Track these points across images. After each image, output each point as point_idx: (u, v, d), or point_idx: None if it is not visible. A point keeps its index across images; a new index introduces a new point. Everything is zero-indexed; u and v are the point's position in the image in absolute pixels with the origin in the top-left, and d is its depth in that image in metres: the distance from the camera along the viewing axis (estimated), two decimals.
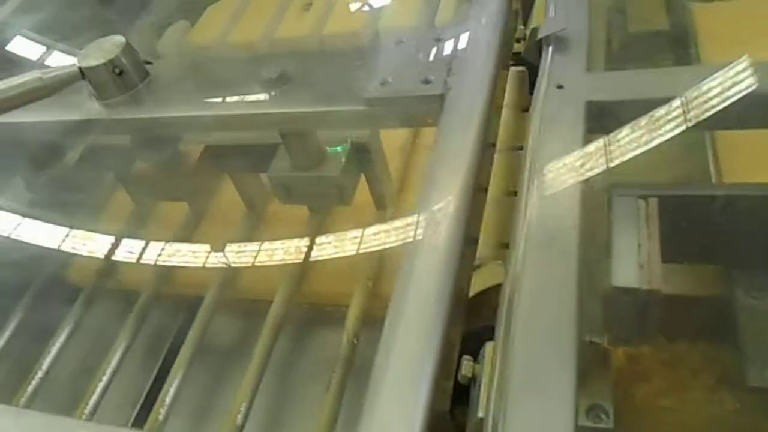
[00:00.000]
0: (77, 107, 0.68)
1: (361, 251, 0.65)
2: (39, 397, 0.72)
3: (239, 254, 0.75)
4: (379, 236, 0.64)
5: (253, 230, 0.79)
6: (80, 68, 0.65)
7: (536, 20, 0.84)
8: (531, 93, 0.86)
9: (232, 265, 0.74)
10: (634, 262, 0.49)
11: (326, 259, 0.71)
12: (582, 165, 0.51)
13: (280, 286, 0.71)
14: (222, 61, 0.69)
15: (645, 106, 0.50)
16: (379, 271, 0.70)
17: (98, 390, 0.69)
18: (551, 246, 0.44)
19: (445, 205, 0.46)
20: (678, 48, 0.79)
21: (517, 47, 0.90)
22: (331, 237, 0.73)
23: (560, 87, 0.53)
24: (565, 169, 0.50)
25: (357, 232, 0.68)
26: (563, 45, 0.56)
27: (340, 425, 0.60)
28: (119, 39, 0.67)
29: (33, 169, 0.80)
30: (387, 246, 0.58)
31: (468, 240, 0.46)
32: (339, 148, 0.69)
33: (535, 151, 0.50)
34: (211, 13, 1.17)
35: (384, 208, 0.75)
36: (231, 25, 1.12)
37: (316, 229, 0.75)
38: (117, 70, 0.66)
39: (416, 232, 0.45)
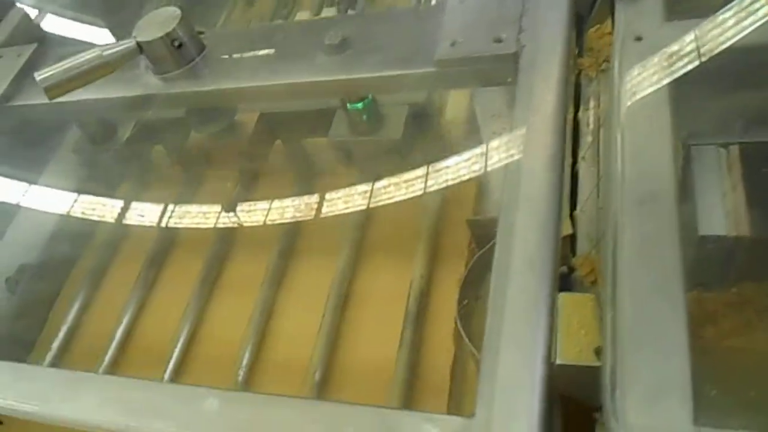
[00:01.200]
0: (136, 83, 0.68)
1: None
2: None
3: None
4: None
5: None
6: (138, 43, 0.65)
7: None
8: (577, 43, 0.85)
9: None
10: (719, 211, 0.49)
11: None
12: (665, 117, 0.50)
13: None
14: (280, 28, 0.68)
15: (729, 55, 0.48)
16: None
17: None
18: (647, 201, 0.43)
19: (537, 163, 0.46)
20: None
21: None
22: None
23: (639, 39, 0.52)
24: (650, 122, 0.49)
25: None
26: None
27: None
28: (174, 11, 0.66)
29: (93, 145, 0.80)
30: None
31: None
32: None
33: (619, 104, 0.49)
34: None
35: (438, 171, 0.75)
36: None
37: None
38: (175, 43, 0.65)
39: (514, 185, 0.45)
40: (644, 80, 0.50)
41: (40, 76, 0.62)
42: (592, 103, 0.88)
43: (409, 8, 0.62)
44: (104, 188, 0.83)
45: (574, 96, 0.86)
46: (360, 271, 0.74)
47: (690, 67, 0.51)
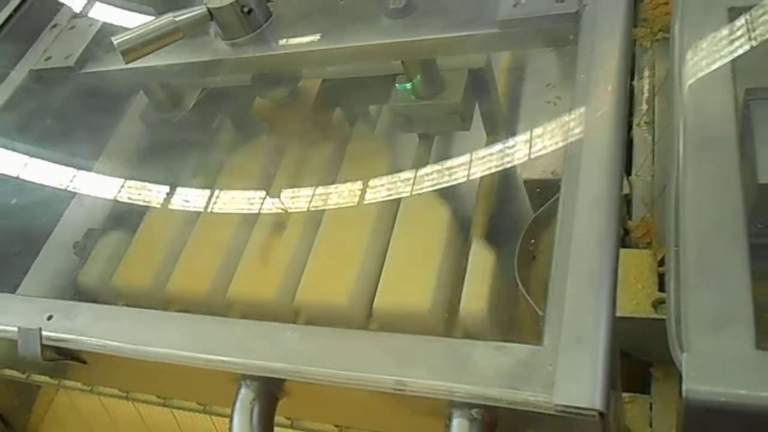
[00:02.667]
0: (206, 48, 0.71)
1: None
2: None
3: None
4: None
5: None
6: (209, 9, 0.68)
7: None
8: None
9: None
10: None
11: None
12: (728, 71, 0.51)
13: None
14: None
15: None
16: None
17: None
18: (709, 150, 0.45)
19: (602, 116, 0.47)
20: None
21: None
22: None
23: None
24: (712, 77, 0.50)
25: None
26: None
27: None
28: None
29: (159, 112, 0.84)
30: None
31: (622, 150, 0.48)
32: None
33: (681, 58, 0.51)
34: None
35: (497, 134, 0.77)
36: None
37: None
38: (245, 10, 0.68)
39: (580, 139, 0.47)
40: (707, 36, 0.51)
41: (117, 40, 0.66)
42: (647, 73, 0.89)
43: None
44: (169, 155, 0.87)
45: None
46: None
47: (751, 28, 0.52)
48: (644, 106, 0.86)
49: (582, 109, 0.51)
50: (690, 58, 0.50)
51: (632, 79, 0.87)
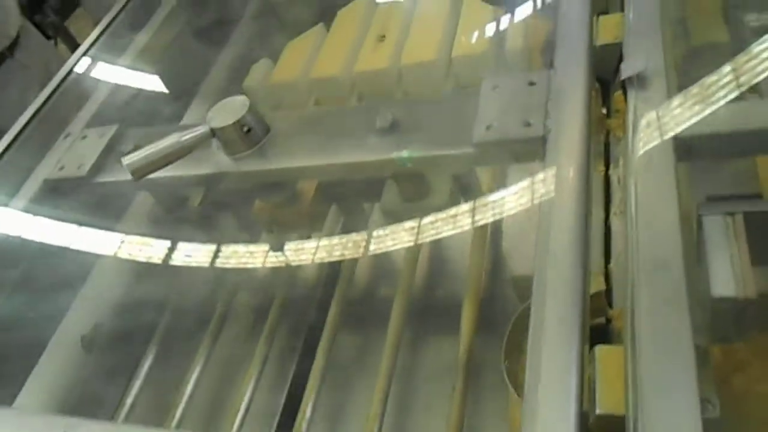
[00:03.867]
0: (209, 161, 0.78)
1: None
2: None
3: None
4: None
5: None
6: (211, 129, 0.75)
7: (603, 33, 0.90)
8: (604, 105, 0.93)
9: None
10: (729, 274, 0.56)
11: None
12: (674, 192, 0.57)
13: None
14: (336, 112, 0.78)
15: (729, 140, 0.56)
16: None
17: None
18: (660, 267, 0.51)
19: (563, 227, 0.54)
20: None
21: None
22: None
23: (648, 125, 0.60)
24: (659, 197, 0.57)
25: None
26: (644, 82, 0.63)
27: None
28: (243, 99, 0.76)
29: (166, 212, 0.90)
30: None
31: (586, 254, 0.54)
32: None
33: (634, 184, 0.57)
34: (290, 50, 1.27)
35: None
36: (311, 62, 1.22)
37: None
38: (244, 129, 0.75)
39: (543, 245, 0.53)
40: (653, 159, 0.58)
41: (126, 161, 0.73)
42: (621, 162, 0.96)
43: (450, 94, 0.71)
44: (174, 250, 0.92)
45: (604, 155, 0.95)
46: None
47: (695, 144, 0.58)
48: (620, 195, 0.93)
49: (547, 218, 0.57)
50: (641, 188, 0.57)
51: (608, 168, 0.93)
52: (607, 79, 0.97)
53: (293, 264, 0.91)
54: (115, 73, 1.19)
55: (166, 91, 1.25)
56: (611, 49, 0.91)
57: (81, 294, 0.97)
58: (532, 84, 0.67)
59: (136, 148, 0.85)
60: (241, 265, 0.94)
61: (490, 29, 1.11)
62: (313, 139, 0.74)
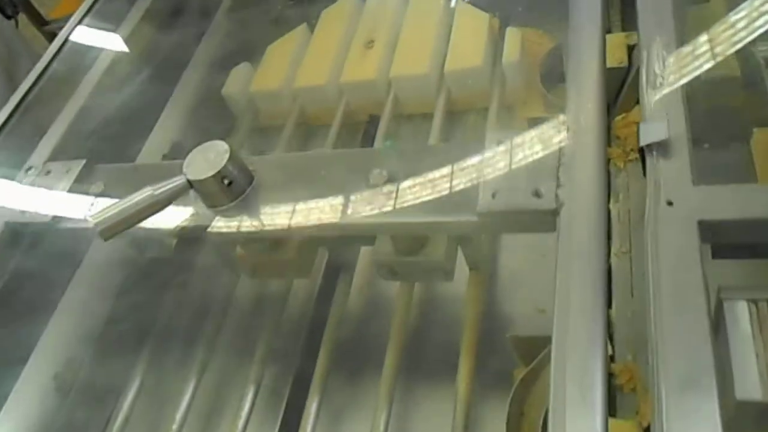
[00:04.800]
0: (187, 212, 0.71)
1: None
2: None
3: None
4: None
5: None
6: (189, 180, 0.68)
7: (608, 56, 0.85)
8: None
9: None
10: (754, 375, 0.52)
11: None
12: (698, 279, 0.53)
13: None
14: (326, 159, 0.71)
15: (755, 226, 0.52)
16: None
17: None
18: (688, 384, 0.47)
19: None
20: None
21: None
22: None
23: (670, 204, 0.54)
24: (683, 285, 0.52)
25: None
26: (666, 152, 0.57)
27: None
28: (223, 146, 0.70)
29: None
30: None
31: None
32: None
33: (655, 272, 0.52)
34: (271, 54, 1.19)
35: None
36: (294, 68, 1.14)
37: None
38: (226, 182, 0.68)
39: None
40: (676, 251, 0.53)
41: (94, 219, 0.66)
42: (621, 196, 0.91)
43: (450, 146, 0.65)
44: (153, 293, 0.87)
45: None
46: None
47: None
48: (621, 232, 0.88)
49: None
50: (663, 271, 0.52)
51: (608, 202, 0.89)
52: (607, 103, 0.92)
53: (279, 308, 0.86)
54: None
55: (139, 98, 1.17)
56: (615, 72, 0.86)
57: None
58: (541, 142, 0.62)
59: (106, 188, 0.79)
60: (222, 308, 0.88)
61: (485, 39, 1.04)
62: (301, 193, 0.68)
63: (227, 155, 0.68)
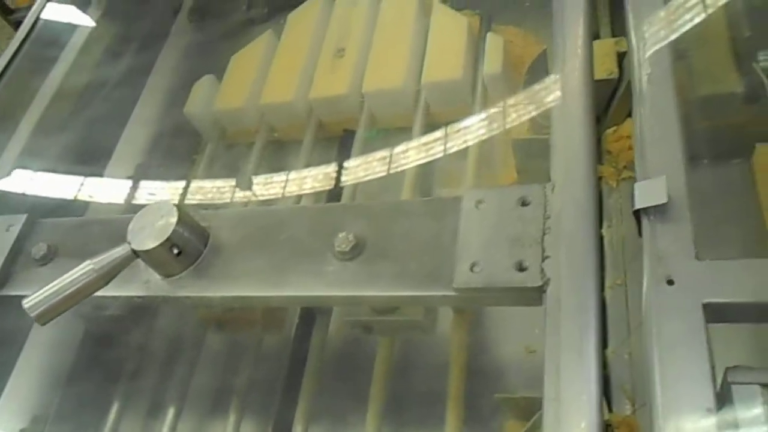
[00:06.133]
0: (137, 280, 0.65)
1: None
2: None
3: None
4: None
5: None
6: (134, 250, 0.61)
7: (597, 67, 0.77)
8: None
9: None
10: None
11: None
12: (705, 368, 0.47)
13: None
14: (287, 216, 0.64)
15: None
16: None
17: None
18: None
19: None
20: None
21: None
22: None
23: (671, 282, 0.48)
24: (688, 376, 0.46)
25: None
26: (664, 217, 0.50)
27: None
28: (170, 208, 0.62)
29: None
30: None
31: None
32: None
33: (657, 362, 0.46)
34: (236, 65, 1.10)
35: None
36: (260, 81, 1.05)
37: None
38: (175, 251, 0.61)
39: None
40: (679, 337, 0.46)
41: (28, 303, 0.59)
42: (614, 220, 0.84)
43: (423, 204, 0.58)
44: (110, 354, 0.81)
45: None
46: None
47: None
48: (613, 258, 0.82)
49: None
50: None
51: (600, 227, 0.82)
52: (596, 115, 0.84)
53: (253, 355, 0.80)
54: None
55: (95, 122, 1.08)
56: (605, 83, 0.78)
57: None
58: (525, 204, 0.55)
59: (50, 251, 0.71)
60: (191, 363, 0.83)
61: (464, 47, 0.96)
62: (259, 261, 0.61)
63: (174, 219, 0.61)
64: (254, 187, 0.94)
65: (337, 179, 0.92)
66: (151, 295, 0.64)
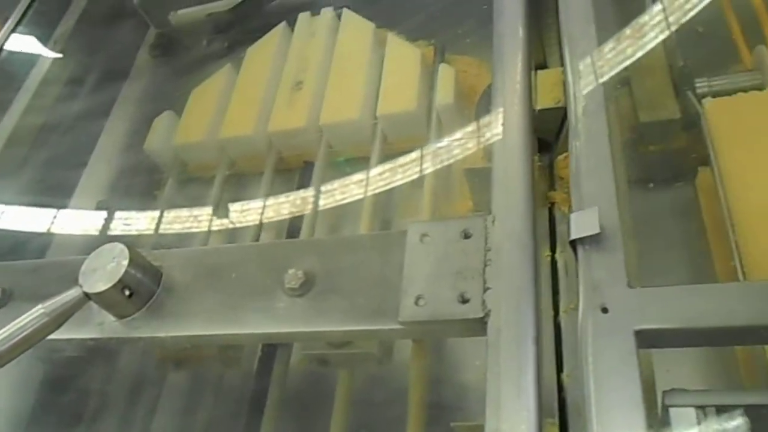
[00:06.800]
0: (90, 323, 0.65)
1: None
2: None
3: None
4: None
5: None
6: (86, 293, 0.61)
7: (542, 96, 0.80)
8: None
9: None
10: None
11: None
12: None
13: None
14: (239, 255, 0.65)
15: (708, 335, 0.47)
16: None
17: None
18: None
19: None
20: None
21: None
22: None
23: (605, 311, 0.50)
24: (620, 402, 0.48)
25: None
26: (598, 246, 0.52)
27: None
28: (120, 249, 0.63)
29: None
30: None
31: None
32: None
33: (593, 389, 0.48)
34: (195, 99, 1.11)
35: None
36: (220, 115, 1.07)
37: None
38: (126, 292, 0.62)
39: None
40: (613, 363, 0.48)
41: None
42: (567, 245, 0.86)
43: (370, 237, 0.59)
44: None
45: (549, 236, 0.85)
46: None
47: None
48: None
49: None
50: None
51: (554, 252, 0.84)
52: (548, 141, 0.87)
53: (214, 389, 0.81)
54: None
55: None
56: (554, 111, 0.81)
57: None
58: (467, 237, 0.56)
59: (5, 295, 0.71)
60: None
61: (417, 79, 0.98)
62: (211, 299, 0.62)
63: (126, 261, 0.62)
64: (213, 221, 0.95)
65: (296, 211, 0.93)
66: (105, 337, 0.64)
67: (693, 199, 0.83)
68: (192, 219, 1.00)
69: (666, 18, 0.80)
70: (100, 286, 0.61)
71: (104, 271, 0.62)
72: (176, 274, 0.65)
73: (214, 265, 0.64)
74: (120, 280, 0.61)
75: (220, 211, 0.99)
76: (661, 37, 0.77)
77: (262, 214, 0.96)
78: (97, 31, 1.21)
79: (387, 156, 0.98)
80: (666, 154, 0.83)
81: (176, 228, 0.97)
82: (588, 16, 0.68)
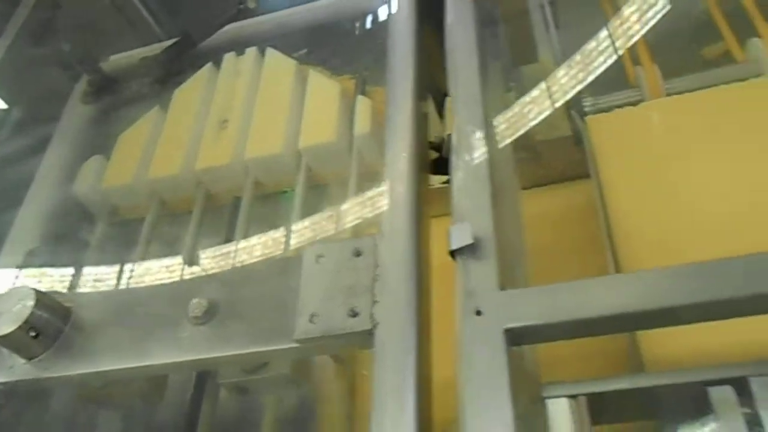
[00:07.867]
0: (2, 368, 0.65)
1: None
2: None
3: None
4: None
5: None
6: None
7: None
8: None
9: None
10: None
11: None
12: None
13: None
14: (145, 295, 0.67)
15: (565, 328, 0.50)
16: None
17: None
18: None
19: None
20: None
21: None
22: None
23: (479, 313, 0.52)
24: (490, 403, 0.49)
25: None
26: (474, 255, 0.55)
27: None
28: (26, 291, 0.64)
29: None
30: None
31: None
32: None
33: (466, 386, 0.50)
34: (123, 143, 1.13)
35: None
36: (148, 157, 1.08)
37: None
38: (32, 333, 0.63)
39: None
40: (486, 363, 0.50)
41: None
42: None
43: (270, 263, 0.61)
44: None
45: None
46: None
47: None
48: None
49: None
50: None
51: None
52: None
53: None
54: None
55: None
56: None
57: None
58: (358, 255, 0.59)
59: None
60: None
61: (337, 110, 1.01)
62: (119, 335, 0.63)
63: (32, 302, 0.63)
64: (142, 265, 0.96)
65: (222, 247, 0.95)
66: (14, 380, 0.64)
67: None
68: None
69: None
70: (5, 328, 0.62)
71: (10, 314, 0.63)
72: (85, 313, 0.66)
73: (123, 302, 0.66)
74: (26, 321, 0.62)
75: (149, 253, 1.00)
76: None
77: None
78: (28, 76, 1.23)
79: (313, 187, 1.01)
80: (566, 163, 0.87)
81: (100, 273, 0.98)
82: (472, 49, 0.71)
